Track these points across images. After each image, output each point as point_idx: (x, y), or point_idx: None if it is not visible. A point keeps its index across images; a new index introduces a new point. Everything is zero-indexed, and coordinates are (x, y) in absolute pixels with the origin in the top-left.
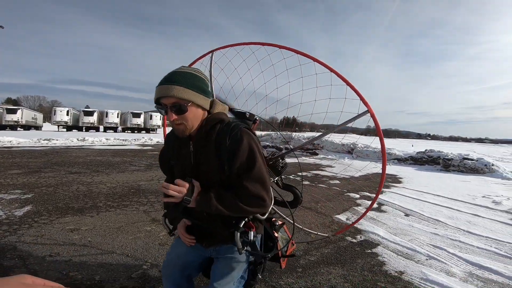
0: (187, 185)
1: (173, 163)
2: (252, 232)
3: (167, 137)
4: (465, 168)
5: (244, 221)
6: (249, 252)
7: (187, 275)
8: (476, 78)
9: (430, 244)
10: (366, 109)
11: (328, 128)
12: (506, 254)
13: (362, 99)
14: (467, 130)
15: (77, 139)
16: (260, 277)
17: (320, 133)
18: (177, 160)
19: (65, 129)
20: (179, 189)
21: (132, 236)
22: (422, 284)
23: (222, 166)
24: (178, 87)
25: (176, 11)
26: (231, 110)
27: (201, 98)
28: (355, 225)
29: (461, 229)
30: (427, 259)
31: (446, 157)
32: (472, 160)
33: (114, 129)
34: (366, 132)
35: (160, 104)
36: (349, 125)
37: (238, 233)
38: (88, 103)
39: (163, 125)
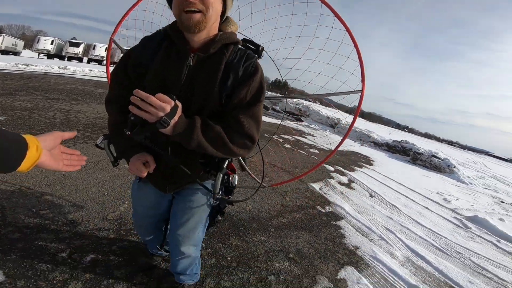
0: (172, 102)
1: (144, 72)
2: (236, 176)
3: (148, 39)
4: (430, 165)
5: (227, 162)
6: (221, 199)
7: (159, 225)
8: (471, 83)
9: (384, 226)
10: (360, 88)
11: (318, 95)
12: (440, 247)
13: (363, 78)
14: (442, 131)
15: (58, 67)
16: (220, 219)
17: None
18: (159, 71)
19: (45, 57)
20: (160, 104)
21: (110, 173)
22: (370, 261)
23: (221, 94)
24: None
25: None
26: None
27: None
28: (325, 196)
29: (412, 218)
30: (378, 239)
31: (417, 151)
32: (439, 158)
33: (99, 62)
34: (351, 110)
35: None
36: (337, 100)
37: (221, 175)
38: (78, 36)
39: (107, 57)
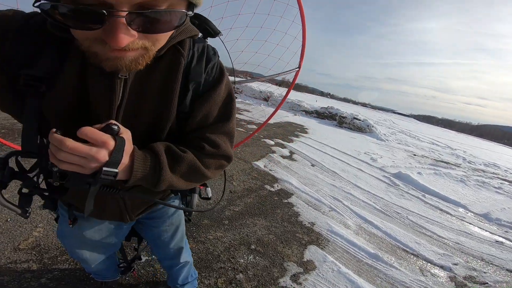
0: (111, 143)
1: (39, 89)
2: (209, 188)
3: (33, 29)
4: (353, 126)
5: None
6: (194, 211)
7: (111, 253)
8: (376, 53)
9: (331, 196)
10: (298, 66)
11: (253, 76)
12: (381, 209)
13: (302, 56)
14: (356, 95)
15: None
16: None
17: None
18: (73, 93)
19: None
20: (87, 152)
21: (8, 195)
22: (329, 235)
23: (178, 112)
24: None
25: None
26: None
27: None
28: (271, 173)
29: (351, 182)
30: (329, 211)
31: (342, 115)
32: (359, 120)
33: None
34: (281, 82)
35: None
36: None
37: (196, 195)
38: None
39: None
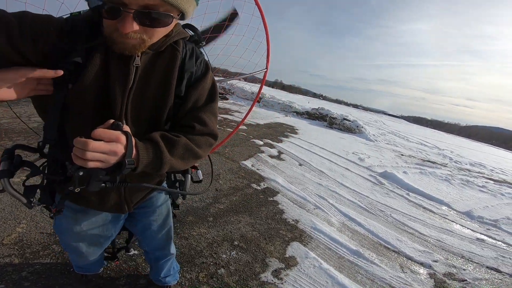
0: (123, 137)
1: (71, 74)
2: (199, 171)
3: (74, 24)
4: (343, 127)
5: None
6: (186, 193)
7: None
8: (367, 55)
9: (316, 194)
10: (265, 68)
11: (229, 75)
12: (365, 207)
13: (268, 58)
14: (348, 96)
15: None
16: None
17: (228, 78)
18: (98, 77)
19: None
20: (109, 149)
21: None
22: (312, 233)
23: (175, 95)
24: None
25: None
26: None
27: (193, 4)
28: (258, 172)
29: (337, 181)
30: (314, 209)
31: (332, 116)
32: (349, 121)
33: None
34: (274, 84)
35: (113, 1)
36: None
37: (189, 176)
38: None
39: None
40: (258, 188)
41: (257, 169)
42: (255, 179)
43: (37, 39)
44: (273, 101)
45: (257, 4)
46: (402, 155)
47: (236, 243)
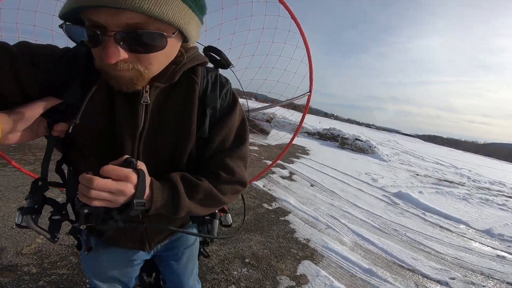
0: (133, 176)
1: (66, 114)
2: (229, 215)
3: (72, 58)
4: (356, 148)
5: None
6: (215, 238)
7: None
8: (378, 73)
9: (328, 214)
10: (308, 90)
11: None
12: (379, 227)
13: (311, 80)
14: (361, 115)
15: None
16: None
17: (268, 104)
18: (99, 119)
19: None
20: (119, 187)
21: (16, 204)
22: (324, 251)
23: (196, 137)
24: None
25: None
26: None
27: (195, 20)
28: (270, 193)
29: (350, 202)
30: (326, 228)
31: (344, 136)
32: (361, 141)
33: None
34: (294, 107)
35: (90, 22)
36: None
37: (217, 221)
38: None
39: None
40: (270, 208)
41: (269, 189)
42: (266, 199)
43: (38, 66)
44: (284, 122)
45: (294, 19)
46: (417, 175)
47: (247, 260)
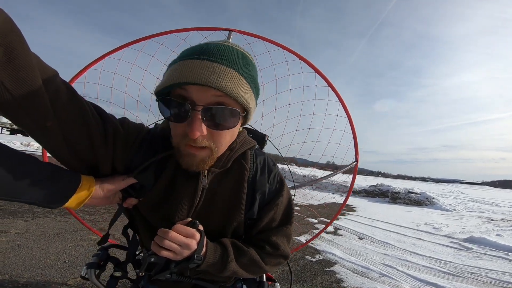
0: (197, 235)
1: (139, 193)
2: (277, 284)
3: (151, 141)
4: (410, 201)
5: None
6: None
7: None
8: (420, 120)
9: (382, 263)
10: (355, 160)
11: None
12: (449, 271)
13: (357, 150)
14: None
15: (21, 143)
16: None
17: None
18: (164, 199)
19: (8, 132)
20: (184, 242)
21: (73, 244)
22: None
23: (245, 218)
24: (235, 74)
25: (152, 24)
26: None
27: (254, 102)
28: (313, 246)
29: (408, 250)
30: (380, 276)
31: (394, 191)
32: (416, 193)
33: None
34: (326, 166)
35: (179, 98)
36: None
37: None
38: None
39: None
40: (313, 260)
41: (312, 243)
42: (309, 252)
43: (131, 148)
44: (326, 183)
45: (332, 88)
46: (492, 220)
47: None
